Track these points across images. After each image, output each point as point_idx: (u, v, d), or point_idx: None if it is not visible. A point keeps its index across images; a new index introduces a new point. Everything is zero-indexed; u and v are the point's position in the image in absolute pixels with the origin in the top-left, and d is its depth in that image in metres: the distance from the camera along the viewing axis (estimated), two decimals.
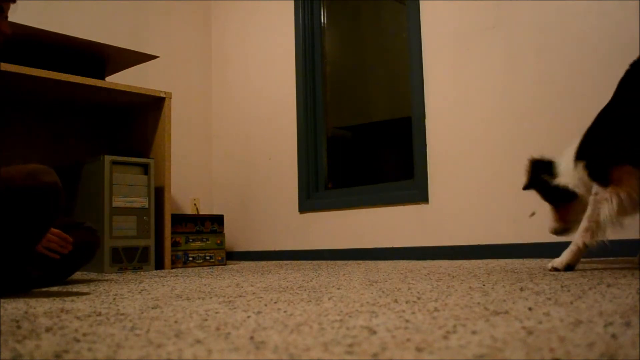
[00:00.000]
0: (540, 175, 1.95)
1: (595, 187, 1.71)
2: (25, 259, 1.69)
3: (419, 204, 2.99)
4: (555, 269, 1.74)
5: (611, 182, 1.67)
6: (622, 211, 1.66)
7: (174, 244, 3.10)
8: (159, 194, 2.96)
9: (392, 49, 3.83)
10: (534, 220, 2.63)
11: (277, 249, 3.67)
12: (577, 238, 1.74)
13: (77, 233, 2.00)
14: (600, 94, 2.48)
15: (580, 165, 1.78)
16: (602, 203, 1.68)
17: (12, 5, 1.70)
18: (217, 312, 1.03)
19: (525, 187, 2.03)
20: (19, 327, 0.90)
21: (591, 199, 1.72)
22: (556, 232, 1.99)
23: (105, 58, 2.96)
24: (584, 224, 1.73)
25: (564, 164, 1.89)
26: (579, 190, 1.83)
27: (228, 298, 1.28)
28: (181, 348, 0.70)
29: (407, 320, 0.85)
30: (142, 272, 2.67)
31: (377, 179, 3.31)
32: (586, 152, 1.78)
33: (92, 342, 0.76)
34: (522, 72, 2.70)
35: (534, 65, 2.65)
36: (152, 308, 1.14)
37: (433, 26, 3.01)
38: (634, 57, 2.36)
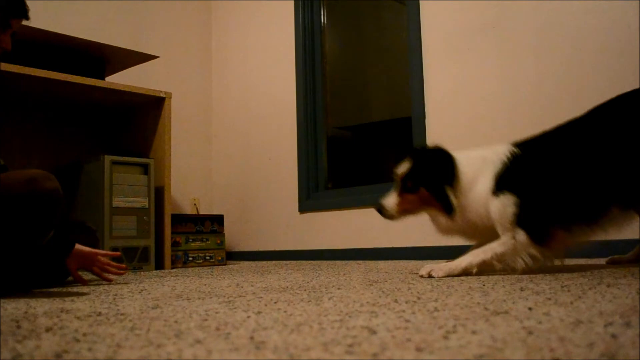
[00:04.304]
0: (446, 172, 1.80)
1: (523, 237, 1.68)
2: (25, 262, 1.69)
3: None
4: (430, 276, 1.70)
5: (545, 242, 1.68)
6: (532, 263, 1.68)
7: (174, 244, 3.10)
8: (159, 194, 2.96)
9: (392, 49, 3.83)
10: None
11: (277, 249, 3.67)
12: (464, 261, 1.72)
13: (77, 233, 2.00)
14: (600, 93, 2.48)
15: (509, 204, 1.70)
16: (520, 255, 1.68)
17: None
18: (217, 312, 1.03)
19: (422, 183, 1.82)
20: (19, 327, 0.90)
21: (510, 242, 1.69)
22: (389, 216, 1.84)
23: (105, 58, 2.96)
24: (483, 254, 1.71)
25: (467, 174, 1.79)
26: (475, 214, 1.76)
27: (228, 298, 1.28)
28: (181, 348, 0.70)
29: (407, 320, 0.85)
30: (142, 272, 2.67)
31: (377, 179, 3.31)
32: (526, 207, 1.69)
33: (92, 342, 0.76)
34: (522, 72, 2.70)
35: (534, 65, 2.66)
36: (152, 308, 1.14)
37: (433, 26, 3.01)
38: (634, 57, 2.37)
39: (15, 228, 1.50)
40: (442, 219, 1.81)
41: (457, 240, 2.92)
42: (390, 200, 1.84)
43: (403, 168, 1.86)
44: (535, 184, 1.74)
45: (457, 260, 1.74)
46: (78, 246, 1.78)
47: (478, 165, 1.81)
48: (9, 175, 1.52)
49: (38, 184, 1.51)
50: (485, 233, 1.79)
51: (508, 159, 1.76)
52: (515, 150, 1.78)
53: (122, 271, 1.94)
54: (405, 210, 1.84)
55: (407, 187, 1.83)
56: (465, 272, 1.72)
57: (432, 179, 1.80)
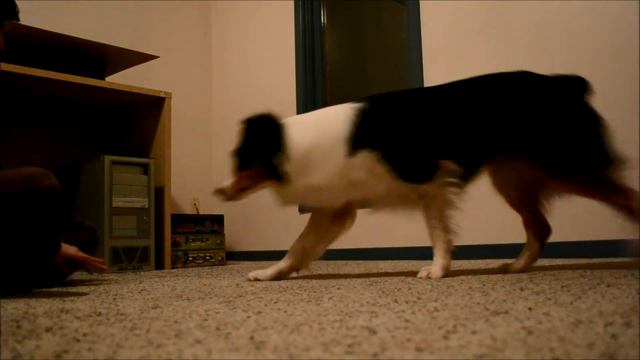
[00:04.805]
0: (271, 144, 1.73)
1: (424, 188, 1.67)
2: (25, 261, 1.69)
3: None
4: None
5: (434, 175, 1.67)
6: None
7: (174, 244, 3.10)
8: (159, 194, 2.96)
9: (392, 49, 3.83)
10: None
11: (277, 249, 3.67)
12: (440, 248, 1.70)
13: (76, 232, 2.00)
14: (600, 93, 2.48)
15: (376, 159, 1.67)
16: (443, 197, 1.68)
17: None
18: (217, 312, 1.03)
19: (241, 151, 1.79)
20: (19, 327, 0.90)
21: (427, 200, 1.68)
22: (227, 197, 1.77)
23: (105, 58, 2.96)
24: (435, 229, 1.69)
25: (305, 138, 1.72)
26: (324, 178, 1.70)
27: (228, 298, 1.28)
28: (181, 348, 0.70)
29: (407, 320, 0.85)
30: (142, 272, 2.67)
31: None
32: (394, 153, 1.67)
33: (92, 342, 0.76)
34: None
35: (534, 65, 2.65)
36: (152, 308, 1.14)
37: (433, 26, 3.01)
38: (634, 57, 2.37)
39: (14, 226, 1.50)
40: (281, 190, 1.75)
41: (456, 239, 2.93)
42: (227, 181, 1.77)
43: (236, 144, 1.80)
44: (400, 133, 1.71)
45: (435, 255, 1.72)
46: (64, 247, 1.77)
47: (320, 127, 1.74)
48: (7, 173, 1.52)
49: (37, 181, 1.51)
50: (337, 196, 1.77)
51: (357, 116, 1.71)
52: (363, 105, 1.74)
53: (103, 267, 1.92)
54: (243, 188, 1.76)
55: (240, 164, 1.77)
56: (450, 251, 1.72)
57: (259, 151, 1.74)
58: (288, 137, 1.72)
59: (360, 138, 1.69)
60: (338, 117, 1.74)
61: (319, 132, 1.73)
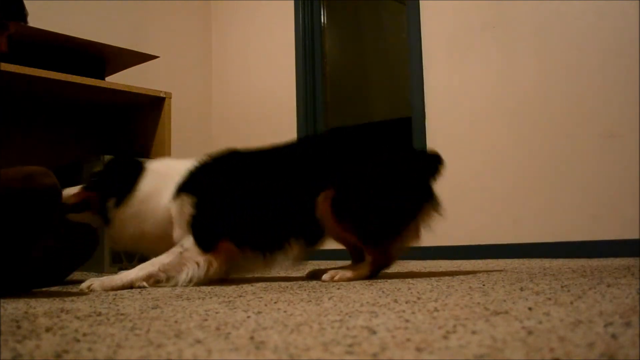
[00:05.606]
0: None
1: (190, 245, 1.70)
2: (24, 260, 1.69)
3: None
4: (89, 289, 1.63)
5: (213, 250, 1.70)
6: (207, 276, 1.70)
7: None
8: None
9: (392, 49, 3.83)
10: (534, 220, 2.63)
11: None
12: (132, 274, 1.68)
13: (76, 231, 2.00)
14: (598, 93, 2.48)
15: (186, 204, 1.74)
16: (189, 263, 1.69)
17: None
18: (217, 312, 1.03)
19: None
20: (19, 327, 0.90)
21: (177, 251, 1.70)
22: (63, 203, 1.78)
23: (105, 58, 2.96)
24: (151, 267, 1.69)
25: (148, 185, 1.81)
26: (152, 225, 1.78)
27: (228, 298, 1.28)
28: (181, 348, 0.70)
29: (407, 320, 0.85)
30: None
31: None
32: (200, 217, 1.73)
33: (92, 342, 0.76)
34: (521, 72, 2.70)
35: (533, 64, 2.66)
36: (152, 308, 1.14)
37: (433, 26, 3.01)
38: (634, 57, 2.37)
39: (12, 226, 1.50)
40: (108, 231, 1.86)
41: (456, 240, 2.92)
42: (72, 189, 1.85)
43: (98, 167, 1.96)
44: (214, 191, 1.78)
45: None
46: None
47: (164, 176, 1.83)
48: (6, 172, 1.52)
49: (35, 180, 1.50)
50: (166, 245, 1.78)
51: (195, 167, 1.81)
52: (206, 159, 1.84)
53: None
54: (78, 204, 1.84)
55: (89, 183, 1.88)
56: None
57: (105, 189, 1.84)
58: (140, 184, 1.81)
59: (185, 185, 1.77)
60: (182, 165, 1.83)
61: (164, 179, 1.81)
